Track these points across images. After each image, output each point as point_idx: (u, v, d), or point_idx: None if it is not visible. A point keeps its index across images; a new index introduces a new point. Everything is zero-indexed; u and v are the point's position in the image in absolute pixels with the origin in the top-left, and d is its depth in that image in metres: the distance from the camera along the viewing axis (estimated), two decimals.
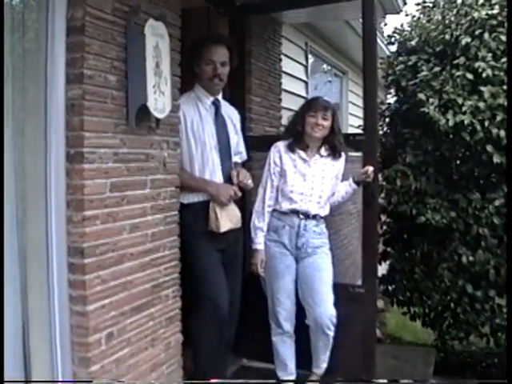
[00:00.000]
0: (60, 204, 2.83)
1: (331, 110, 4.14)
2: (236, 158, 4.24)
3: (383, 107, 5.90)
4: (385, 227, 5.98)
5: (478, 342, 6.22)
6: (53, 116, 2.80)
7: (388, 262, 6.00)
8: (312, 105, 4.16)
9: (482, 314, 5.30)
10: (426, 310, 5.86)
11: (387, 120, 5.86)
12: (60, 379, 2.91)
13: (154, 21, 3.17)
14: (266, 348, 4.38)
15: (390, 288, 6.02)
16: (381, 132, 5.81)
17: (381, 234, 5.94)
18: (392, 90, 5.77)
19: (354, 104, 8.87)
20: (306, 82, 6.82)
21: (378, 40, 6.81)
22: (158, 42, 3.20)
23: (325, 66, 7.95)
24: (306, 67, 6.81)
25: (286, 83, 5.96)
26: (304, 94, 6.69)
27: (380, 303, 8.41)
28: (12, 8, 2.71)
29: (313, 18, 6.04)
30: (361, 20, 5.97)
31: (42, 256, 2.84)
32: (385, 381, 4.30)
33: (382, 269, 6.05)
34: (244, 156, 4.34)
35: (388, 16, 5.68)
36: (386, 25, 5.89)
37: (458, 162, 5.15)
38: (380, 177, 5.65)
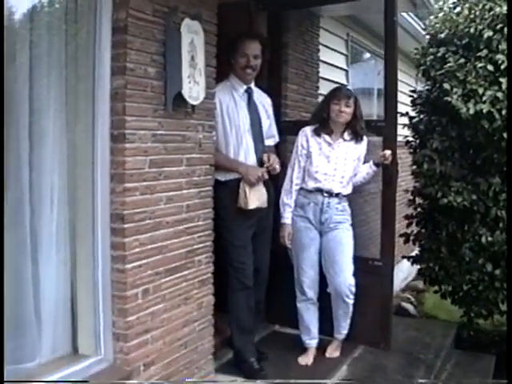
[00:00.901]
0: (105, 177, 3.33)
1: (353, 98, 4.57)
2: (269, 141, 4.68)
3: (415, 95, 6.21)
4: (419, 209, 6.30)
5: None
6: (100, 102, 3.30)
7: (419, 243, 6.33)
8: (336, 94, 4.59)
9: (501, 292, 5.58)
10: (455, 288, 6.16)
11: (419, 107, 6.17)
12: (102, 329, 3.42)
13: (189, 20, 3.63)
14: (294, 315, 4.83)
15: (421, 267, 6.34)
16: (416, 119, 6.15)
17: (414, 216, 6.30)
18: (423, 79, 6.08)
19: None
20: (346, 71, 7.16)
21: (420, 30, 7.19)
22: (193, 38, 3.65)
23: (367, 54, 8.23)
24: (346, 56, 7.15)
25: (326, 72, 6.34)
26: (345, 82, 7.04)
27: (420, 284, 8.75)
28: (66, 10, 3.20)
29: (350, 12, 6.38)
30: (401, 13, 6.40)
31: (88, 221, 3.36)
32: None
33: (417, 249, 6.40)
34: (276, 139, 4.78)
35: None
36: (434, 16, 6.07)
37: (479, 148, 5.44)
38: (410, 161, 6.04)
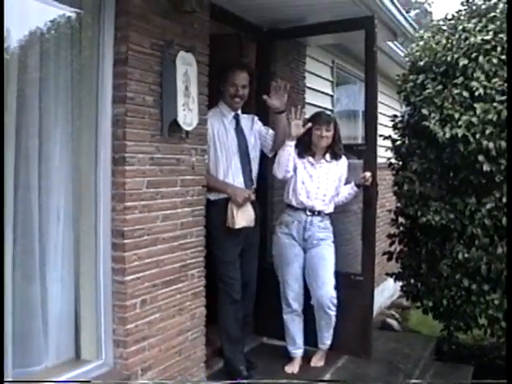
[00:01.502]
0: (107, 196, 3.65)
1: (333, 123, 4.92)
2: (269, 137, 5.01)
3: (397, 120, 6.53)
4: (401, 228, 6.61)
5: (487, 338, 6.76)
6: (102, 128, 3.63)
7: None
8: (316, 119, 4.93)
9: (477, 306, 5.84)
10: (435, 303, 6.42)
11: (401, 131, 6.49)
12: (103, 336, 3.71)
13: (184, 52, 3.97)
14: (281, 327, 5.12)
15: (402, 283, 6.64)
16: (398, 142, 6.47)
17: (397, 234, 6.61)
18: (404, 105, 6.42)
19: (382, 114, 9.46)
20: (331, 96, 7.49)
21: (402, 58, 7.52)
22: (187, 69, 3.99)
23: (352, 79, 8.53)
24: (332, 82, 7.49)
25: (312, 97, 6.68)
26: (330, 107, 7.37)
27: (405, 301, 9.02)
28: (72, 43, 3.53)
29: (335, 41, 6.71)
30: (386, 42, 6.74)
31: (91, 236, 3.67)
32: None
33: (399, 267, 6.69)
34: (271, 132, 5.04)
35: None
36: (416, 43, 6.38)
37: (456, 169, 5.75)
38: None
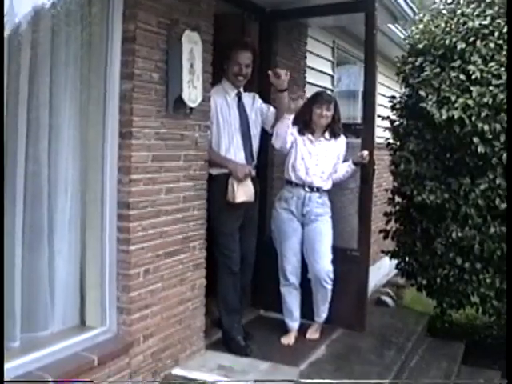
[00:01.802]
0: (113, 169, 3.80)
1: (333, 103, 5.04)
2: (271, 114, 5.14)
3: (395, 101, 6.65)
4: (397, 207, 6.75)
5: (480, 317, 6.92)
6: (110, 103, 3.77)
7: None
8: (318, 99, 5.06)
9: (470, 284, 5.99)
10: (429, 281, 6.57)
11: (399, 112, 6.61)
12: (107, 303, 3.86)
13: (189, 31, 4.09)
14: (278, 299, 5.26)
15: (398, 261, 6.79)
16: (396, 123, 6.60)
17: (393, 213, 6.76)
18: (403, 86, 6.53)
19: (381, 95, 9.57)
20: (332, 76, 7.60)
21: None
22: (192, 47, 4.12)
23: (352, 58, 8.60)
24: (332, 62, 7.59)
25: (313, 77, 6.79)
26: (330, 86, 7.48)
27: (400, 280, 9.18)
28: (82, 21, 3.65)
29: (336, 23, 6.82)
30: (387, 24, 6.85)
31: (98, 207, 3.83)
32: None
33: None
34: (272, 110, 5.16)
35: None
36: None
37: (452, 150, 5.89)
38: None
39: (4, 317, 3.09)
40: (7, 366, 3.03)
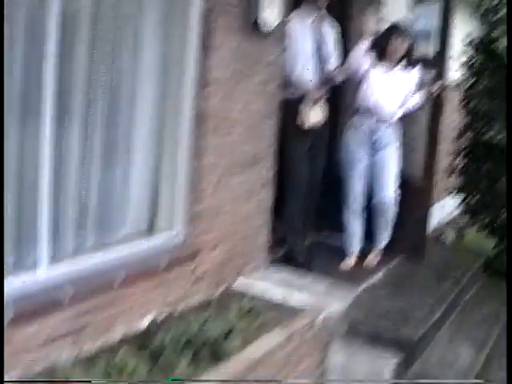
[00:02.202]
0: (192, 82, 3.91)
1: (409, 35, 5.07)
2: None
3: (470, 38, 6.57)
4: (466, 144, 6.75)
5: None
6: (191, 19, 3.85)
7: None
8: (393, 30, 5.08)
9: None
10: (491, 220, 6.61)
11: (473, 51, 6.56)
12: (177, 212, 4.03)
13: None
14: (340, 225, 5.40)
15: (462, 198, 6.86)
16: (471, 62, 6.56)
17: (461, 150, 6.78)
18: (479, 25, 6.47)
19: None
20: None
21: None
22: None
23: None
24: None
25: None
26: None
27: (462, 219, 9.20)
28: None
29: None
30: None
31: (175, 120, 3.95)
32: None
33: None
34: (334, 63, 5.21)
35: None
36: None
37: None
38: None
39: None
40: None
